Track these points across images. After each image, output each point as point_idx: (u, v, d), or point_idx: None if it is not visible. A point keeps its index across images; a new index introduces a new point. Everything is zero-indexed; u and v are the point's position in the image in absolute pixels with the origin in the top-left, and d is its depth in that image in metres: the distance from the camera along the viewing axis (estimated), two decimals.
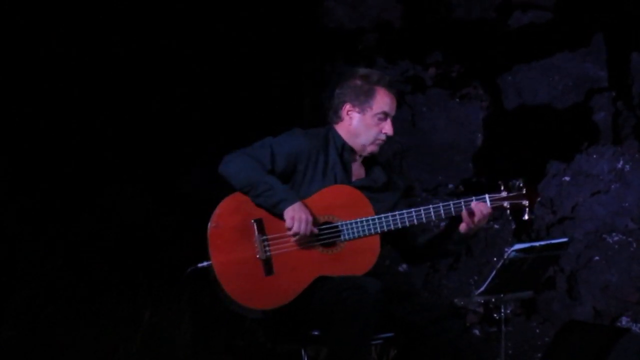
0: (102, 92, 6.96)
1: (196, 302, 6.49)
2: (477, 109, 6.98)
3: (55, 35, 6.90)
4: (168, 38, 7.02)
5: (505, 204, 4.69)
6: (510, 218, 4.92)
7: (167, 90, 7.01)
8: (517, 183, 4.70)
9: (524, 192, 4.69)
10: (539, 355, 6.55)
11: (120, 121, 6.96)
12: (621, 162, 6.72)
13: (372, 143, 4.76)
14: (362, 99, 4.72)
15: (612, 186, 6.69)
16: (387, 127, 4.74)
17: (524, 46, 7.01)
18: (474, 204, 4.64)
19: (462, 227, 4.66)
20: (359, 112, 4.73)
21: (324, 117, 4.89)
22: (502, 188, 4.70)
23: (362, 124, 4.74)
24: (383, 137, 4.75)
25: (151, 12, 7.01)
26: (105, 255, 6.83)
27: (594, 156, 6.75)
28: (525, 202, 4.69)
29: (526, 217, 4.72)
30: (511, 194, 4.69)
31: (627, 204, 6.67)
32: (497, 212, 4.73)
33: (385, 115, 4.73)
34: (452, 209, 4.66)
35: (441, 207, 4.66)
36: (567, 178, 6.77)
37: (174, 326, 6.52)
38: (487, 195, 4.69)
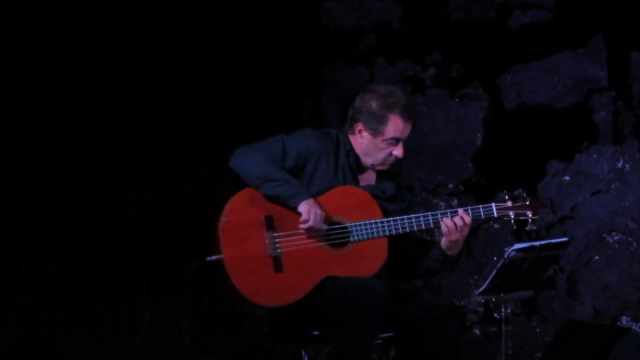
0: (104, 93, 6.95)
1: (196, 303, 6.48)
2: (476, 109, 6.97)
3: (56, 35, 6.90)
4: (168, 41, 7.02)
5: (511, 213, 4.75)
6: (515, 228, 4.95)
7: (168, 91, 7.01)
8: (521, 193, 4.76)
9: (528, 203, 4.76)
10: (539, 355, 6.54)
11: (122, 122, 6.96)
12: (621, 162, 6.71)
13: (381, 164, 4.77)
14: (375, 123, 4.70)
15: (612, 186, 6.69)
16: (398, 151, 4.74)
17: (523, 46, 7.01)
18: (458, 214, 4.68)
19: (444, 241, 4.71)
20: (370, 134, 4.72)
21: (322, 118, 4.88)
22: (507, 198, 4.76)
23: (372, 145, 4.73)
24: (392, 159, 4.76)
25: (154, 17, 7.02)
26: (105, 257, 6.82)
27: (594, 156, 6.75)
28: (529, 213, 4.76)
29: (528, 228, 4.80)
30: (516, 204, 4.76)
31: (627, 204, 6.66)
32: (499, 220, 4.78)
33: (397, 140, 4.73)
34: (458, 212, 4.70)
35: (448, 212, 4.70)
36: (567, 178, 6.76)
37: (174, 328, 6.52)
38: (493, 204, 4.75)
